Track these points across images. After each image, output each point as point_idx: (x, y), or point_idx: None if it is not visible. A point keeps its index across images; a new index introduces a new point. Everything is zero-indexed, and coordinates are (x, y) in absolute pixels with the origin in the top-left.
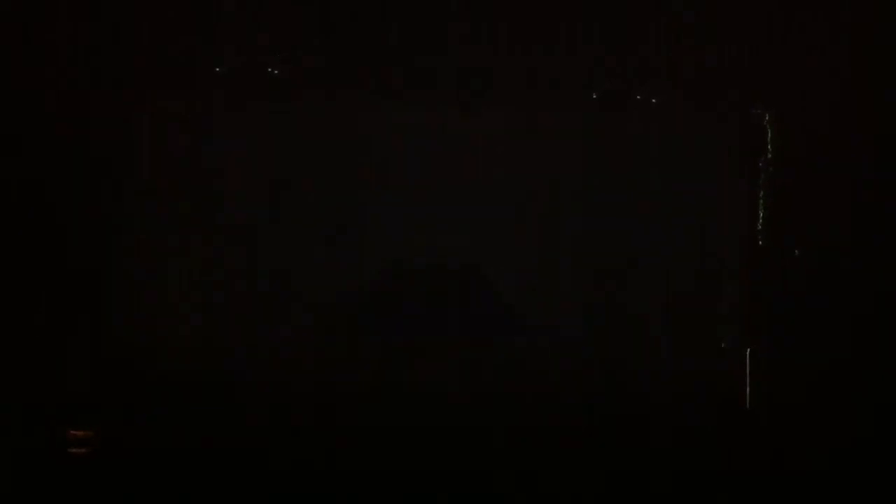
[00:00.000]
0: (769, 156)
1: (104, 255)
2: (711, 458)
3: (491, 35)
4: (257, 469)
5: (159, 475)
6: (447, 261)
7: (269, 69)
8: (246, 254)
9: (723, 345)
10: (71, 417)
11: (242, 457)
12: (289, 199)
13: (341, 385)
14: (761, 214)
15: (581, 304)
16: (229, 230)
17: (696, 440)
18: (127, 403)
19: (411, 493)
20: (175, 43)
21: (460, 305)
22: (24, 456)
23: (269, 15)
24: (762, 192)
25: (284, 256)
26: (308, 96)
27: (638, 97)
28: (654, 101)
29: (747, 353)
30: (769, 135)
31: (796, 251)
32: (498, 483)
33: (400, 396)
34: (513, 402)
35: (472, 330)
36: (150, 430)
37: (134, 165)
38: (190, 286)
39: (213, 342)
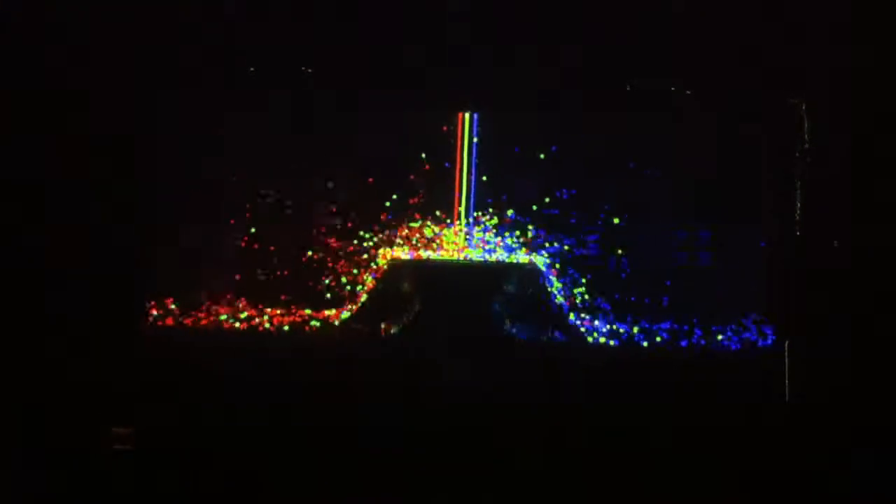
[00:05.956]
0: (806, 146)
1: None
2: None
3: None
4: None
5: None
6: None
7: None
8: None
9: (760, 336)
10: (114, 415)
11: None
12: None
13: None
14: (798, 204)
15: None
16: (266, 224)
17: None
18: (166, 399)
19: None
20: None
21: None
22: (68, 454)
23: None
24: (799, 182)
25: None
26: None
27: (673, 88)
28: (688, 92)
29: (786, 344)
30: (806, 124)
31: (835, 242)
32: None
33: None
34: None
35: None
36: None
37: (171, 163)
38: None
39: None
